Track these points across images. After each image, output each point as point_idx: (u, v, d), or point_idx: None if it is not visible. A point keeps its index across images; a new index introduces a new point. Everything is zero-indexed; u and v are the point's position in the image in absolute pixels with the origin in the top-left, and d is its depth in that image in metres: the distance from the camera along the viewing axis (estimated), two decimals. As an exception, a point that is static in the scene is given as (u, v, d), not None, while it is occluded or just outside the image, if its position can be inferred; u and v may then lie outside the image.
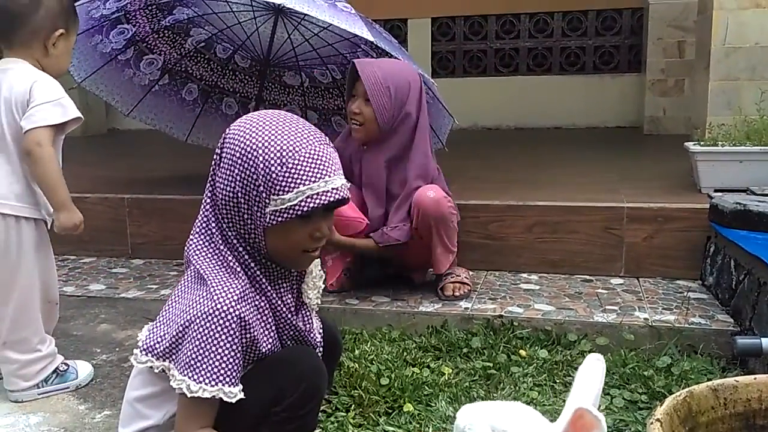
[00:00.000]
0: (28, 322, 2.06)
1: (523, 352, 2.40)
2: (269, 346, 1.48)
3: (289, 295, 1.51)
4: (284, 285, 1.50)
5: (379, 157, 2.70)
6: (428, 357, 2.42)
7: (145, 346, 1.45)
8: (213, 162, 1.47)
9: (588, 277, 3.00)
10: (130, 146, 6.24)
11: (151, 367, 1.43)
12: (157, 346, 1.43)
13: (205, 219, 1.47)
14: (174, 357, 1.41)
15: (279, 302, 1.48)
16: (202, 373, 1.36)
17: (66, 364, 2.15)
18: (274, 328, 1.48)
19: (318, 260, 1.61)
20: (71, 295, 2.98)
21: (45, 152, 1.95)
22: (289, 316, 1.50)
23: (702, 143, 3.15)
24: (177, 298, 1.47)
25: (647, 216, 2.96)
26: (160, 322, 1.47)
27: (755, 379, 1.44)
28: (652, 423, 1.31)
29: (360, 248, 2.73)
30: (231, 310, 1.37)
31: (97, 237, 3.54)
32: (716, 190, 3.06)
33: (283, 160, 1.38)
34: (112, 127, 7.44)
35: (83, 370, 2.18)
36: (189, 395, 1.36)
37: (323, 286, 1.64)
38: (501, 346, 2.44)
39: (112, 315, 2.76)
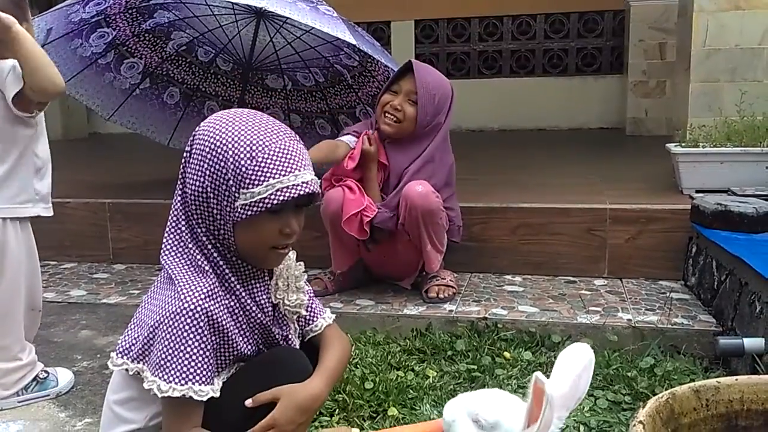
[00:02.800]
0: (9, 329, 2.03)
1: (507, 354, 2.40)
2: (248, 347, 1.46)
3: (264, 296, 1.50)
4: (257, 285, 1.49)
5: (401, 154, 2.74)
6: (413, 360, 2.42)
7: (120, 349, 1.44)
8: (183, 159, 1.46)
9: (571, 279, 3.01)
10: (111, 150, 6.19)
11: (126, 369, 1.42)
12: (132, 348, 1.42)
13: (174, 218, 1.46)
14: (146, 359, 1.40)
15: (251, 303, 1.46)
16: (171, 372, 1.35)
17: (46, 372, 2.12)
18: (246, 326, 1.47)
19: (296, 263, 1.59)
20: (52, 301, 2.94)
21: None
22: (262, 317, 1.48)
23: (683, 144, 3.17)
24: (149, 300, 1.46)
25: (630, 217, 2.97)
26: (133, 324, 1.46)
27: (737, 380, 1.44)
28: (635, 425, 1.31)
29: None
30: (198, 308, 1.36)
31: (78, 242, 3.51)
32: (698, 191, 3.08)
33: (253, 154, 1.37)
34: (94, 131, 7.38)
35: (63, 377, 2.15)
36: (160, 395, 1.35)
37: (308, 287, 1.63)
38: (485, 348, 2.44)
39: (93, 321, 2.73)
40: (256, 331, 1.50)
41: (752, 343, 2.03)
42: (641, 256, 2.97)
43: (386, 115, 2.71)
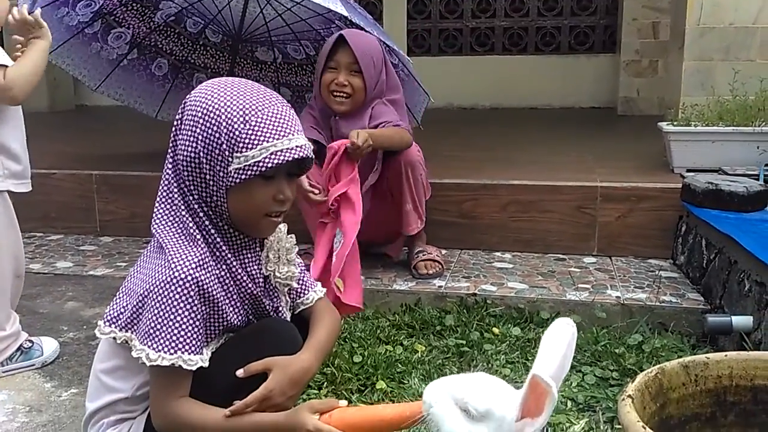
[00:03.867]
0: None
1: (496, 330, 2.40)
2: (238, 318, 1.45)
3: (256, 267, 1.48)
4: (248, 255, 1.47)
5: (355, 123, 2.68)
6: (401, 335, 2.42)
7: (108, 318, 1.43)
8: (174, 127, 1.44)
9: (561, 256, 3.01)
10: (99, 122, 6.11)
11: (114, 338, 1.41)
12: (120, 317, 1.41)
13: (166, 186, 1.44)
14: (135, 327, 1.39)
15: (242, 273, 1.45)
16: (161, 341, 1.34)
17: (30, 341, 2.10)
18: (237, 297, 1.45)
19: (286, 234, 1.57)
20: (38, 273, 2.91)
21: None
22: (253, 288, 1.47)
23: (675, 123, 3.16)
24: (138, 269, 1.45)
25: (620, 195, 2.97)
26: (122, 293, 1.45)
27: (726, 356, 1.44)
28: (623, 399, 1.31)
29: None
30: (188, 277, 1.35)
31: (65, 214, 3.47)
32: (688, 170, 3.08)
33: (246, 118, 1.36)
34: (81, 103, 7.28)
35: (48, 346, 2.14)
36: (149, 364, 1.34)
37: (299, 260, 1.61)
38: (474, 323, 2.44)
39: (79, 292, 2.71)
40: (247, 302, 1.48)
41: (740, 320, 2.03)
42: (631, 234, 2.97)
43: (334, 94, 2.66)
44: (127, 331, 1.39)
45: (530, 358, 2.19)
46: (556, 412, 1.89)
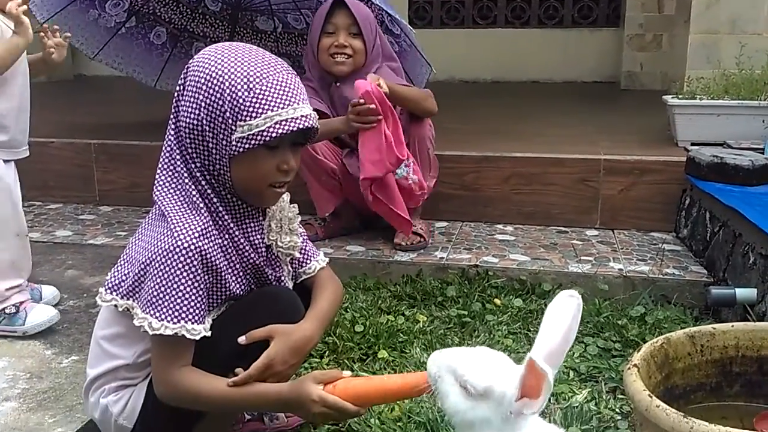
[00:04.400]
0: None
1: (497, 301, 2.39)
2: (239, 287, 1.44)
3: (258, 237, 1.47)
4: (251, 225, 1.45)
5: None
6: (403, 305, 2.41)
7: (109, 285, 1.41)
8: (176, 92, 1.41)
9: (563, 229, 3.00)
10: (97, 92, 6.06)
11: (116, 306, 1.39)
12: (121, 284, 1.39)
13: (168, 152, 1.41)
14: (137, 295, 1.37)
15: (244, 242, 1.43)
16: (164, 310, 1.32)
17: (15, 307, 2.07)
18: (239, 266, 1.44)
19: (289, 204, 1.55)
20: (37, 241, 2.89)
21: None
22: (255, 258, 1.45)
23: (680, 96, 3.13)
24: (140, 236, 1.43)
25: (624, 168, 2.95)
26: (123, 260, 1.43)
27: (732, 326, 1.44)
28: (629, 369, 1.31)
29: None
30: (191, 246, 1.33)
31: (64, 183, 3.45)
32: (693, 144, 3.05)
33: (251, 86, 1.33)
34: (79, 73, 7.21)
35: (37, 317, 2.08)
36: (151, 332, 1.33)
37: (301, 230, 1.59)
38: (476, 295, 2.44)
39: (79, 261, 2.70)
40: (249, 272, 1.47)
41: (744, 293, 2.02)
42: (634, 208, 2.95)
43: (335, 56, 2.64)
44: (128, 299, 1.38)
45: (532, 329, 2.19)
46: (558, 382, 1.89)
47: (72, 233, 3.02)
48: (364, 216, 2.96)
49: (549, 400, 1.70)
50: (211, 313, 1.42)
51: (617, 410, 1.78)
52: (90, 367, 1.48)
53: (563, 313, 1.13)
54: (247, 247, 1.44)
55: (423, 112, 2.67)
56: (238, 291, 1.44)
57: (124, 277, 1.39)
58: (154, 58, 3.91)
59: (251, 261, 1.45)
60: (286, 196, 1.55)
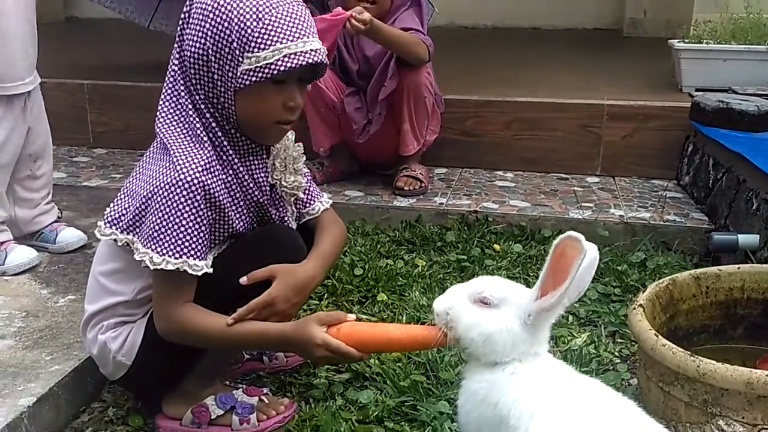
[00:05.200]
0: None
1: (497, 247, 2.38)
2: (242, 223, 1.41)
3: (263, 175, 1.43)
4: (255, 162, 1.42)
5: None
6: (402, 250, 2.39)
7: (108, 219, 1.38)
8: (180, 20, 1.36)
9: (564, 176, 2.97)
10: (90, 34, 5.92)
11: (115, 240, 1.36)
12: (121, 218, 1.36)
13: (172, 83, 1.36)
14: (137, 230, 1.34)
15: (249, 180, 1.40)
16: (165, 245, 1.29)
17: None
18: (243, 204, 1.41)
19: (294, 143, 1.52)
20: (31, 183, 2.85)
21: None
22: (259, 196, 1.42)
23: (686, 41, 3.06)
24: (141, 170, 1.39)
25: (627, 114, 2.90)
26: (123, 194, 1.39)
27: (739, 268, 1.42)
28: (634, 308, 1.29)
29: None
30: (194, 180, 1.29)
31: (56, 124, 3.32)
32: (698, 90, 3.00)
33: (260, 16, 1.27)
34: (71, 15, 7.03)
35: (16, 258, 2.06)
36: (152, 267, 1.30)
37: (305, 170, 1.56)
38: (475, 240, 2.42)
39: (74, 203, 2.66)
40: (252, 210, 1.44)
41: (747, 239, 2.01)
42: (636, 154, 2.92)
43: (360, 2, 2.57)
44: (128, 233, 1.35)
45: (531, 275, 2.18)
46: (557, 326, 1.88)
47: (66, 175, 2.98)
48: (362, 161, 2.92)
49: (549, 342, 1.70)
50: (212, 251, 1.39)
51: (616, 353, 1.78)
52: (88, 302, 1.46)
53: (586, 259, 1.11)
54: (251, 185, 1.40)
55: (410, 58, 2.59)
56: (240, 229, 1.41)
57: (124, 211, 1.36)
58: (147, -3, 3.81)
59: (255, 199, 1.42)
60: (291, 135, 1.51)
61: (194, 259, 1.31)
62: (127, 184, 1.40)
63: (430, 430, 1.44)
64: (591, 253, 1.12)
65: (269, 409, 1.50)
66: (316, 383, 1.64)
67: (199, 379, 1.50)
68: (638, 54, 4.56)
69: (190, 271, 1.31)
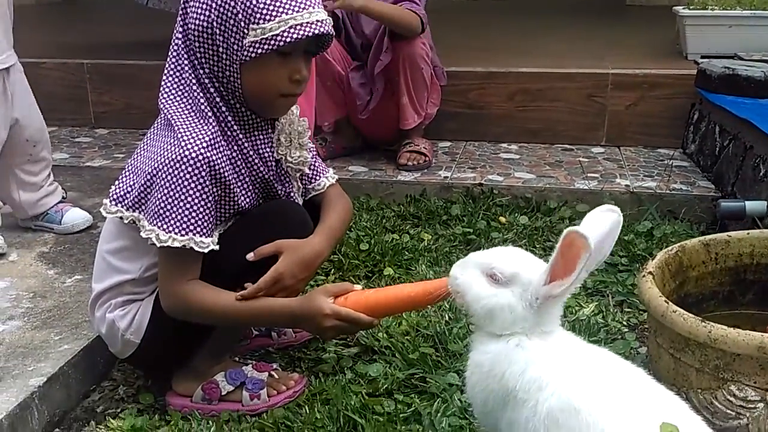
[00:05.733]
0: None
1: (503, 219, 2.37)
2: (247, 199, 1.40)
3: (268, 150, 1.42)
4: (260, 137, 1.41)
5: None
6: (407, 224, 2.39)
7: (114, 196, 1.37)
8: None
9: (568, 146, 2.95)
10: (88, 13, 5.88)
11: (121, 218, 1.36)
12: (127, 196, 1.35)
13: (175, 57, 1.35)
14: (143, 207, 1.33)
15: (254, 155, 1.39)
16: (171, 222, 1.29)
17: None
18: (248, 179, 1.40)
19: (298, 118, 1.50)
20: (33, 165, 2.85)
21: None
22: (265, 171, 1.41)
23: (691, 7, 3.02)
24: (145, 146, 1.38)
25: (632, 82, 2.87)
26: (128, 171, 1.39)
27: (748, 233, 1.41)
28: (644, 276, 1.29)
29: None
30: (199, 156, 1.28)
31: (57, 105, 3.36)
32: (703, 57, 2.97)
33: None
34: (68, -5, 6.97)
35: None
36: (159, 245, 1.30)
37: (311, 145, 1.55)
38: (480, 213, 2.41)
39: (78, 183, 2.66)
40: (258, 186, 1.43)
41: (754, 205, 1.99)
42: (641, 124, 2.89)
43: None
44: (134, 210, 1.34)
45: (538, 246, 2.17)
46: (565, 296, 1.88)
47: (69, 156, 2.97)
48: (365, 136, 2.90)
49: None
50: (218, 227, 1.39)
51: (624, 322, 1.78)
52: (95, 281, 1.46)
53: (603, 222, 1.11)
54: (256, 160, 1.39)
55: (403, 30, 2.56)
56: (246, 205, 1.41)
57: (129, 188, 1.35)
58: (145, -26, 3.77)
59: (261, 175, 1.41)
60: (296, 110, 1.49)
61: (200, 236, 1.31)
62: (132, 162, 1.40)
63: (440, 402, 1.44)
64: (614, 216, 1.12)
65: (279, 385, 1.50)
66: (326, 358, 1.64)
67: (208, 356, 1.50)
68: (641, 22, 4.52)
69: (196, 248, 1.30)
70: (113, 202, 1.37)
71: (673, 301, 1.23)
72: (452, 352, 1.60)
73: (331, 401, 1.46)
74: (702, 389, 1.16)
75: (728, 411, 1.14)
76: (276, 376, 1.52)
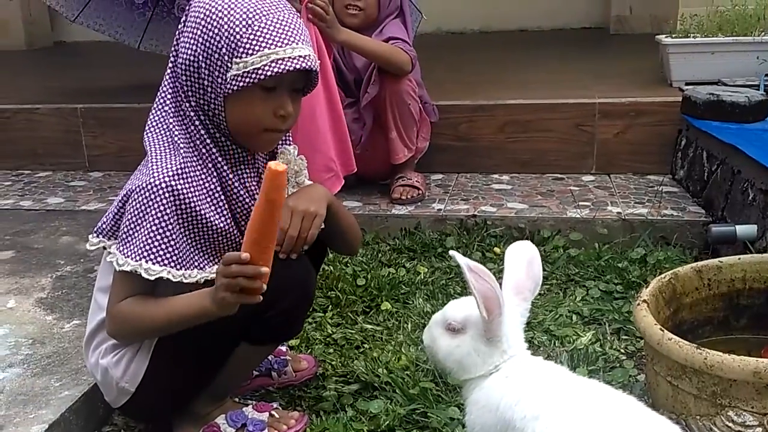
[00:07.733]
0: None
1: (497, 250, 2.39)
2: (222, 224, 1.38)
3: (254, 183, 1.43)
4: (247, 171, 1.42)
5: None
6: (403, 258, 2.40)
7: (96, 229, 1.39)
8: (177, 32, 1.37)
9: (559, 175, 2.98)
10: (79, 58, 5.93)
11: (104, 248, 1.37)
12: (104, 225, 1.38)
13: (161, 94, 1.39)
14: (116, 234, 1.36)
15: (239, 188, 1.39)
16: (130, 246, 1.30)
17: None
18: (226, 206, 1.39)
19: (296, 157, 1.52)
20: (29, 209, 2.87)
21: None
22: (252, 205, 1.41)
23: (674, 35, 3.08)
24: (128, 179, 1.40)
25: (619, 111, 2.92)
26: (112, 204, 1.41)
27: (740, 259, 1.43)
28: (639, 304, 1.30)
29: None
30: (163, 184, 1.30)
31: (52, 150, 3.39)
32: (687, 84, 3.02)
33: (249, 23, 1.29)
34: (59, 39, 7.03)
35: None
36: (118, 269, 1.31)
37: (309, 183, 1.56)
38: (475, 244, 2.43)
39: (73, 227, 2.67)
40: (244, 220, 1.42)
41: (745, 229, 2.02)
42: (629, 151, 2.94)
43: (348, 8, 2.62)
44: (109, 238, 1.37)
45: (533, 276, 2.18)
46: (563, 326, 1.90)
47: (64, 200, 2.99)
48: (358, 172, 2.93)
49: (554, 343, 1.72)
50: (212, 260, 1.38)
51: (622, 350, 1.79)
52: (88, 321, 1.47)
53: (521, 252, 1.23)
54: (242, 193, 1.40)
55: (392, 68, 2.61)
56: (220, 229, 1.38)
57: (105, 218, 1.38)
58: (136, 18, 3.82)
59: (247, 209, 1.41)
60: (293, 149, 1.51)
61: (152, 263, 1.29)
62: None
63: (442, 436, 1.45)
64: (529, 250, 1.23)
65: (280, 424, 1.50)
66: (326, 395, 1.65)
67: (208, 399, 1.50)
68: (626, 51, 4.59)
69: (144, 275, 1.29)
70: (95, 234, 1.39)
71: (669, 329, 1.25)
72: (452, 386, 1.61)
73: (333, 439, 1.46)
74: (701, 416, 1.18)
75: (728, 437, 1.15)
76: (277, 416, 1.52)
